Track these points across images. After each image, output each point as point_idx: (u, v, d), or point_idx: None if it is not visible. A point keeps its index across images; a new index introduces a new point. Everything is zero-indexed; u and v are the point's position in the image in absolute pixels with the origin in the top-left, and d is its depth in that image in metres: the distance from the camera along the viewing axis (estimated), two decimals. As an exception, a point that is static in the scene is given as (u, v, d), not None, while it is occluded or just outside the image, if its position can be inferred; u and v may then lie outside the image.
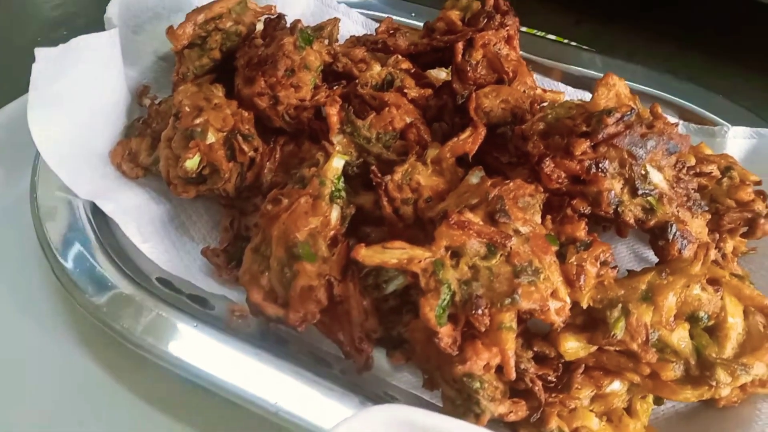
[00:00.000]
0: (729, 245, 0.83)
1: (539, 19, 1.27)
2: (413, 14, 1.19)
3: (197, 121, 0.83)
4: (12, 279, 0.90)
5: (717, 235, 0.82)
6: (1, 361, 0.82)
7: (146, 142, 0.90)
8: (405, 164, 0.78)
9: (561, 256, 0.68)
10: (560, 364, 0.69)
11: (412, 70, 0.95)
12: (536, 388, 0.67)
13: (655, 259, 0.77)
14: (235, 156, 0.83)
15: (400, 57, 0.96)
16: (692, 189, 0.77)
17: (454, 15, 0.96)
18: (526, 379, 0.67)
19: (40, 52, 0.81)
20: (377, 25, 1.05)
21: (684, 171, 0.76)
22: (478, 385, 0.63)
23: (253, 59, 0.88)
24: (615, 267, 0.70)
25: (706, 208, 0.81)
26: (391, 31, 1.01)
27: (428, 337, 0.63)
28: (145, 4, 1.03)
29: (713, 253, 0.77)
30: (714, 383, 0.66)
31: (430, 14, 1.10)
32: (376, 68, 0.92)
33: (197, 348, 0.73)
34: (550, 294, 0.63)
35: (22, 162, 0.91)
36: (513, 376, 0.62)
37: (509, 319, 0.62)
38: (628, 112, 0.71)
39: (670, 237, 0.73)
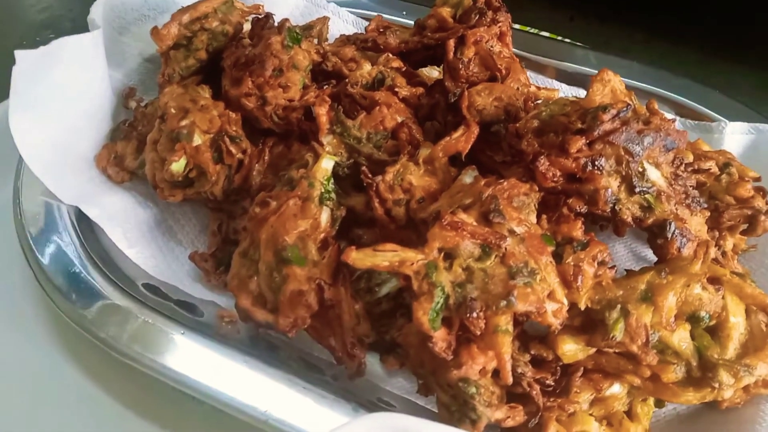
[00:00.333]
0: (729, 243, 0.83)
1: (532, 16, 1.27)
2: (404, 12, 1.18)
3: (183, 122, 0.81)
4: (-6, 286, 0.88)
5: (717, 233, 0.82)
6: (-17, 371, 0.81)
7: (132, 146, 0.89)
8: (396, 164, 0.77)
9: (557, 257, 0.67)
10: (558, 367, 0.68)
11: (403, 69, 0.94)
12: (534, 392, 0.66)
13: (654, 258, 0.77)
14: (222, 158, 0.82)
15: (390, 55, 0.95)
16: (691, 186, 0.76)
17: (445, 12, 0.95)
18: (524, 383, 0.66)
19: (20, 55, 0.80)
20: (367, 23, 1.04)
21: (682, 168, 0.75)
22: (473, 390, 0.62)
23: (241, 59, 0.87)
24: (613, 267, 0.69)
25: (705, 206, 0.80)
26: (382, 30, 1.00)
27: (422, 341, 0.62)
28: (130, 5, 1.01)
29: (713, 251, 0.76)
30: (716, 385, 0.65)
31: (420, 12, 1.09)
32: (367, 67, 0.91)
33: (185, 355, 0.72)
34: (546, 295, 0.62)
35: (5, 166, 0.89)
36: (510, 380, 0.61)
37: (505, 321, 0.61)
38: (624, 108, 0.71)
39: (669, 235, 0.72)
